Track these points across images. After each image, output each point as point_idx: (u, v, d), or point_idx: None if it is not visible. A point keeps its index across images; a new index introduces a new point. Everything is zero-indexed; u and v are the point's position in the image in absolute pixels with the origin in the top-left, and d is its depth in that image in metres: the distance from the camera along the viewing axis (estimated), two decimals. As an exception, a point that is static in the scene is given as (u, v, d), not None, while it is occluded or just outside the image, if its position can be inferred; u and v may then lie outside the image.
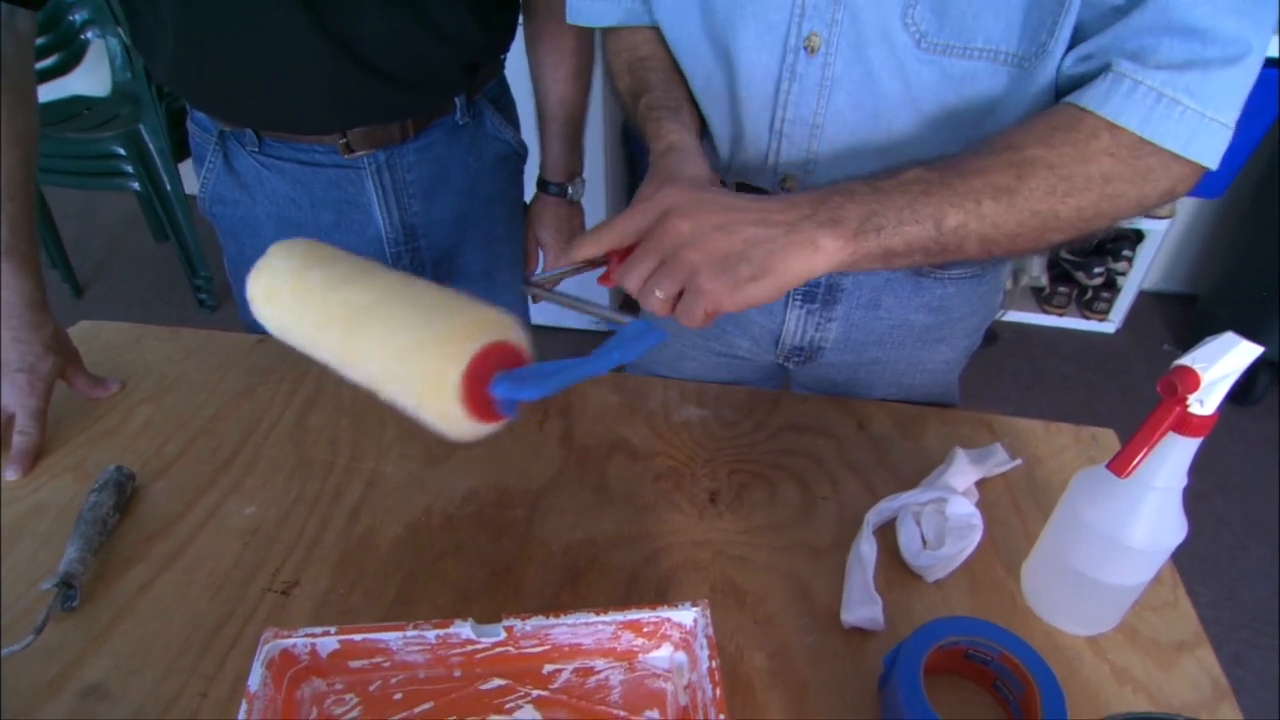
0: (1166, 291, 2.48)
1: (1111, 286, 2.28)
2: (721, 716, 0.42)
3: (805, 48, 0.58)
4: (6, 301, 0.67)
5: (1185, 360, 0.43)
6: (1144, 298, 2.40)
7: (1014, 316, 2.36)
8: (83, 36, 2.10)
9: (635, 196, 0.55)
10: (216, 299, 2.31)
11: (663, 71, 0.67)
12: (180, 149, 2.07)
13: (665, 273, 0.50)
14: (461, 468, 0.69)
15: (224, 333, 0.85)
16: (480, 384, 0.40)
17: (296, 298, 0.45)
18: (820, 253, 0.49)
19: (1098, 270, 2.24)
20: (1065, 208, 0.50)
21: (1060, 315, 2.35)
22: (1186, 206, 2.27)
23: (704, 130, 0.69)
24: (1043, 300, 2.37)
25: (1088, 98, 0.50)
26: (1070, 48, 0.53)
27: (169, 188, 2.01)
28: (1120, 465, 0.45)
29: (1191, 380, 0.42)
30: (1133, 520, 0.49)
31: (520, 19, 0.88)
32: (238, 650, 0.55)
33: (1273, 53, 1.49)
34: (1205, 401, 0.44)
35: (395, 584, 0.59)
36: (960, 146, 0.53)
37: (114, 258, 2.60)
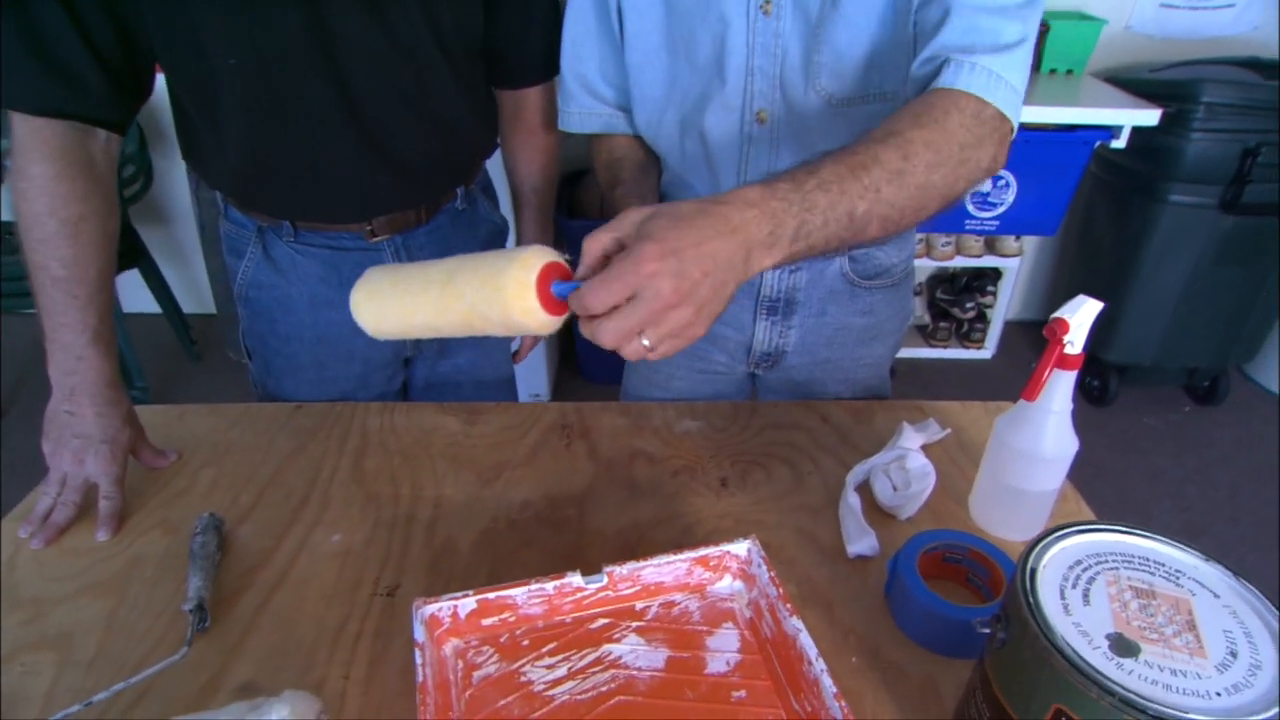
0: (1026, 319, 2.88)
1: (983, 319, 2.64)
2: (788, 605, 0.57)
3: (757, 120, 0.78)
4: (93, 381, 0.76)
5: (1058, 314, 0.63)
6: (1010, 327, 2.77)
7: (906, 353, 2.67)
8: (6, 163, 2.11)
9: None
10: (150, 410, 2.29)
11: (633, 170, 0.86)
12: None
13: (647, 329, 0.52)
14: (512, 485, 0.81)
15: (261, 404, 0.94)
16: (546, 286, 0.57)
17: (396, 284, 0.63)
18: (757, 269, 0.55)
19: (970, 305, 2.59)
20: (937, 176, 0.61)
21: (944, 348, 2.68)
22: (1031, 246, 2.68)
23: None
24: (928, 336, 2.70)
25: (940, 81, 0.64)
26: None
27: (103, 302, 2.01)
28: (1030, 392, 0.65)
29: (1063, 325, 0.62)
30: (1042, 437, 0.68)
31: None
32: (363, 642, 0.64)
33: (1075, 119, 1.87)
34: (1074, 342, 0.64)
35: (483, 576, 0.70)
36: None
37: (32, 376, 2.52)
